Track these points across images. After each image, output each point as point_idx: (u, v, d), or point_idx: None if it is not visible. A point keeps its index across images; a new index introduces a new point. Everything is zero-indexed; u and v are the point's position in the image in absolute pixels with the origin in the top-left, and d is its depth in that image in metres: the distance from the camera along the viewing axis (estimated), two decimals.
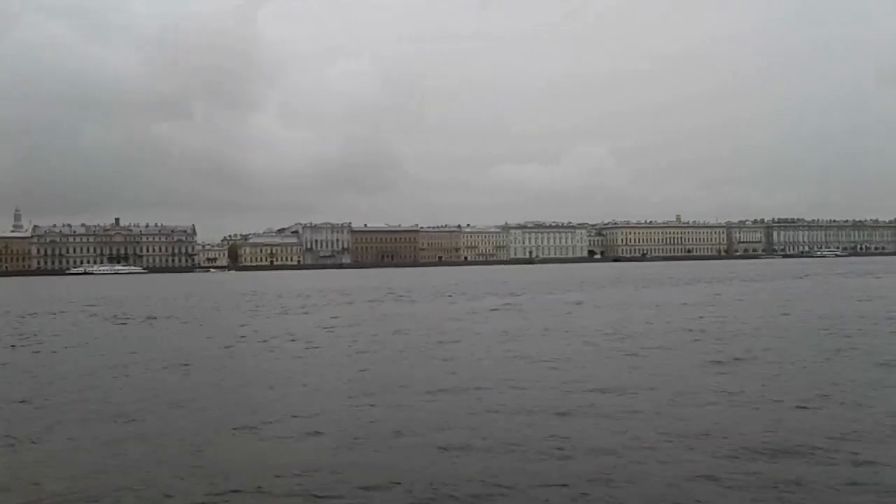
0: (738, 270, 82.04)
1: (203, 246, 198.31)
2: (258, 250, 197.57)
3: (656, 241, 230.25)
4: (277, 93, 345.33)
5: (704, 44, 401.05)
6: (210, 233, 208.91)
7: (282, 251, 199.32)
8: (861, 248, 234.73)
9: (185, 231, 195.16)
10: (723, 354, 14.08)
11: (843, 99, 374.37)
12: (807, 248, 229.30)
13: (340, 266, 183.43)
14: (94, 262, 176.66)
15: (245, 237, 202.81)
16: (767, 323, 20.49)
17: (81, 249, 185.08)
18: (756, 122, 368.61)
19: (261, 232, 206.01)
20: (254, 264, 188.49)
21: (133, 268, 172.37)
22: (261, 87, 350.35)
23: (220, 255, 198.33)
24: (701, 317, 22.92)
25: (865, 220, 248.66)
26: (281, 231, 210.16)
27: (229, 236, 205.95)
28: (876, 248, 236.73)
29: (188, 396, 11.02)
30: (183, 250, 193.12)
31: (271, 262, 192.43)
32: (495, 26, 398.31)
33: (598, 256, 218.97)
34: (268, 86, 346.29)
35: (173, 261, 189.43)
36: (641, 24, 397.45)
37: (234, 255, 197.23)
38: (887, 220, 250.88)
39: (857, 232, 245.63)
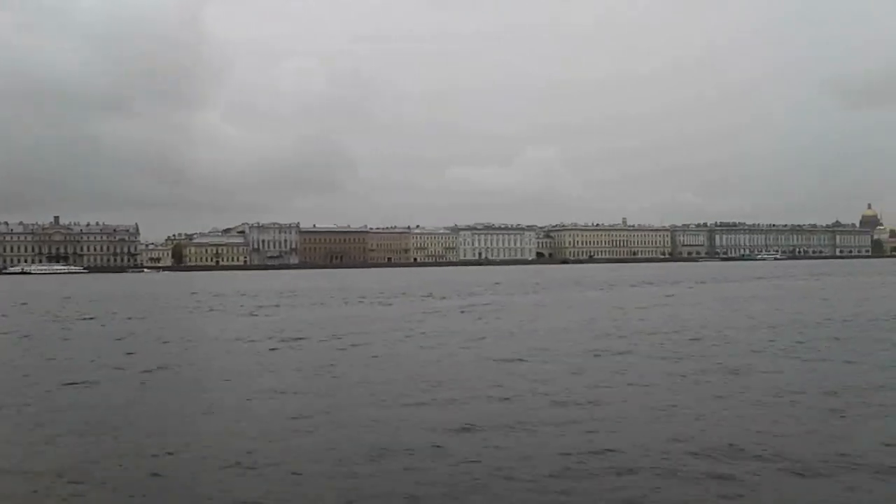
0: (686, 273, 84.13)
1: (146, 245, 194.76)
2: (203, 250, 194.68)
3: (603, 243, 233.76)
4: (224, 90, 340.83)
5: (658, 58, 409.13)
6: (155, 232, 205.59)
7: (228, 251, 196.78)
8: (799, 252, 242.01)
9: (127, 230, 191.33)
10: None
11: (787, 109, 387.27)
12: (748, 252, 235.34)
13: (287, 267, 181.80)
14: (33, 262, 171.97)
15: (190, 237, 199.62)
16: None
17: (19, 248, 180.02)
18: (704, 131, 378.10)
19: (206, 231, 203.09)
20: (199, 264, 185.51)
21: (73, 267, 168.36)
22: (207, 85, 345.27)
23: (163, 254, 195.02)
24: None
25: (804, 225, 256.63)
26: (227, 231, 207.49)
27: (174, 236, 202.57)
28: (814, 252, 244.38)
29: None
30: (125, 250, 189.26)
31: (217, 262, 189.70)
32: (448, 28, 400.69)
33: (546, 258, 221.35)
34: (214, 83, 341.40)
35: (115, 260, 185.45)
36: (588, 32, 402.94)
37: (179, 255, 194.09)
38: (824, 225, 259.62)
39: (795, 236, 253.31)
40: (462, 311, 28.81)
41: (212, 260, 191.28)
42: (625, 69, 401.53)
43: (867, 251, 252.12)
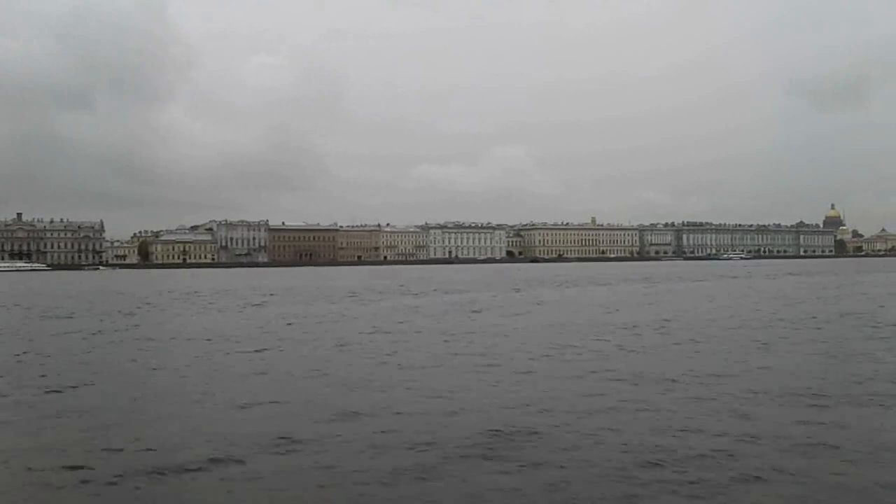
0: (660, 271, 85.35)
1: (112, 243, 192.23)
2: (170, 248, 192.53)
3: (572, 242, 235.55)
4: (190, 85, 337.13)
5: (638, 64, 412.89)
6: (121, 229, 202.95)
7: (195, 249, 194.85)
8: (764, 252, 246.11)
9: (92, 227, 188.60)
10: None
11: (755, 112, 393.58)
12: (714, 251, 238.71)
13: (256, 265, 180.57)
14: None
15: (157, 234, 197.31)
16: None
17: None
18: (668, 124, 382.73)
19: (174, 229, 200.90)
20: (166, 262, 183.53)
21: (36, 265, 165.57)
22: (173, 79, 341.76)
23: (129, 252, 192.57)
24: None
25: (769, 225, 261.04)
26: (195, 228, 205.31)
27: (140, 233, 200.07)
28: (778, 252, 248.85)
29: None
30: (90, 247, 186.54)
31: (184, 259, 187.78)
32: (420, 25, 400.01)
33: (516, 257, 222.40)
34: (180, 78, 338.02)
35: (80, 258, 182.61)
36: (568, 36, 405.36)
37: (145, 253, 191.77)
38: (789, 225, 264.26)
39: (761, 236, 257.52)
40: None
41: (179, 258, 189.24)
42: (598, 74, 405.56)
43: (830, 251, 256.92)
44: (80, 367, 14.21)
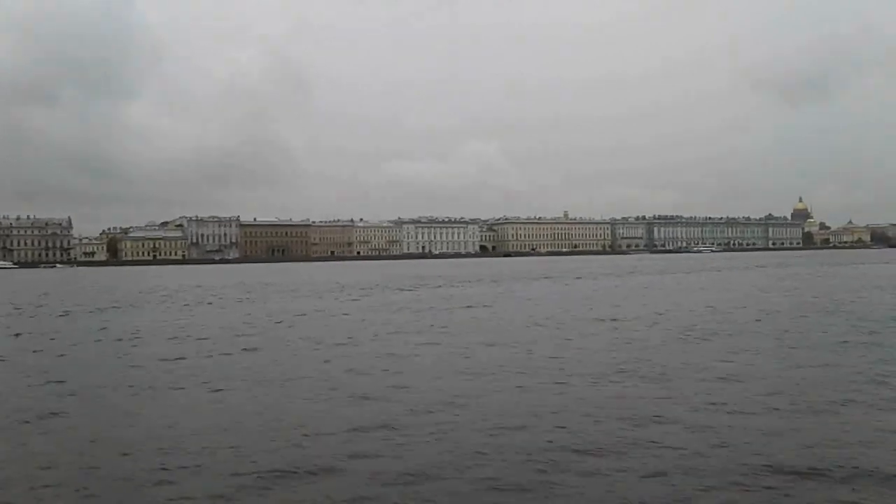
0: (628, 265, 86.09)
1: (80, 239, 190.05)
2: (140, 244, 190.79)
3: (545, 236, 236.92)
4: (157, 80, 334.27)
5: (609, 64, 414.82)
6: (90, 226, 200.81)
7: (165, 245, 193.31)
8: (734, 244, 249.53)
9: (59, 224, 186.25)
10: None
11: (723, 106, 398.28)
12: (685, 244, 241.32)
13: (227, 261, 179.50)
14: None
15: (126, 231, 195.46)
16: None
17: None
18: (640, 122, 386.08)
19: (143, 225, 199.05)
20: (135, 259, 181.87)
21: (3, 262, 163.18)
22: (139, 75, 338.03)
23: (98, 248, 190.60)
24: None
25: (738, 218, 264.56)
26: (164, 224, 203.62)
27: (109, 229, 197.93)
28: (748, 244, 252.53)
29: None
30: (58, 244, 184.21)
31: (154, 256, 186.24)
32: (389, 19, 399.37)
33: (490, 251, 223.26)
34: (147, 73, 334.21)
35: (48, 255, 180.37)
36: (525, 29, 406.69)
37: (114, 250, 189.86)
38: (758, 218, 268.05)
39: (730, 229, 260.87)
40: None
41: (149, 254, 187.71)
42: (568, 73, 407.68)
43: (798, 243, 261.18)
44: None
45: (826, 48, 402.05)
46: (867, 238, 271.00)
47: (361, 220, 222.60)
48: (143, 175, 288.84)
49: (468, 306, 27.26)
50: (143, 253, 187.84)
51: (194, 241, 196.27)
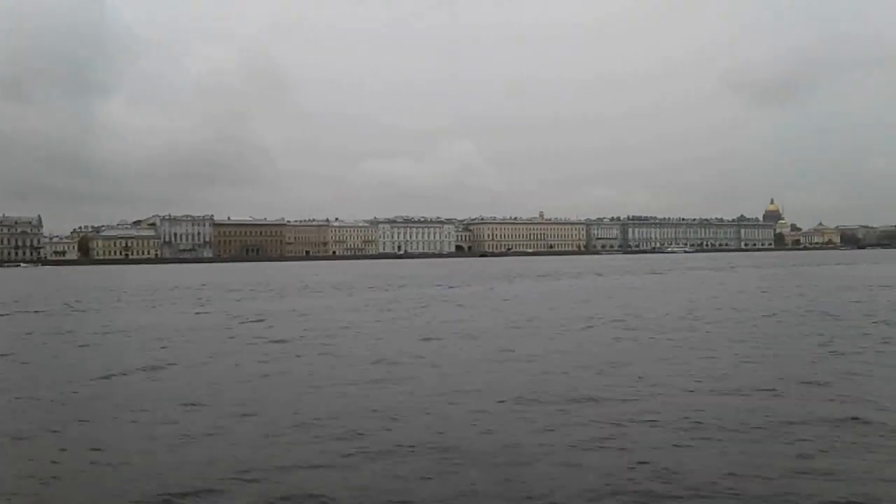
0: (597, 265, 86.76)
1: (51, 238, 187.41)
2: (112, 243, 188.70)
3: (521, 236, 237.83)
4: (131, 77, 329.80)
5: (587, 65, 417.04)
6: (60, 224, 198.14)
7: (138, 244, 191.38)
8: (707, 245, 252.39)
9: (29, 222, 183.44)
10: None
11: (695, 107, 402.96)
12: (659, 245, 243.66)
13: (201, 260, 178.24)
14: None
15: (97, 229, 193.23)
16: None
17: None
18: (618, 122, 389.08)
19: (115, 224, 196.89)
20: (107, 258, 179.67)
21: None
22: (112, 71, 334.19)
23: (69, 247, 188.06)
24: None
25: (711, 219, 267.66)
26: (137, 223, 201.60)
27: (80, 228, 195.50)
28: (720, 245, 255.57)
29: None
30: (28, 243, 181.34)
31: (126, 255, 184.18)
32: (367, 19, 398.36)
33: (465, 251, 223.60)
34: (119, 69, 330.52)
35: (17, 254, 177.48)
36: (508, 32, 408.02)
37: (85, 249, 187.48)
38: (730, 219, 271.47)
39: (704, 229, 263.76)
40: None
41: (121, 253, 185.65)
42: (549, 74, 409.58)
43: (770, 244, 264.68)
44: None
45: (795, 52, 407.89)
46: (837, 239, 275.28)
47: (337, 219, 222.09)
48: (115, 172, 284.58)
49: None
50: (114, 252, 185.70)
51: (167, 240, 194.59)
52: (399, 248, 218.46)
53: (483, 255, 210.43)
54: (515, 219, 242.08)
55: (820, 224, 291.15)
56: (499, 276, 57.71)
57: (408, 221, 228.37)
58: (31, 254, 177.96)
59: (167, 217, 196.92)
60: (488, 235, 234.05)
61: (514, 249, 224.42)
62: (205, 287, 47.85)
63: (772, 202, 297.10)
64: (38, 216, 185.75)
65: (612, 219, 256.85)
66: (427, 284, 46.20)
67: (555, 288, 40.97)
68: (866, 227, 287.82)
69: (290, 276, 65.89)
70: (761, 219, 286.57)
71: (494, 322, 20.79)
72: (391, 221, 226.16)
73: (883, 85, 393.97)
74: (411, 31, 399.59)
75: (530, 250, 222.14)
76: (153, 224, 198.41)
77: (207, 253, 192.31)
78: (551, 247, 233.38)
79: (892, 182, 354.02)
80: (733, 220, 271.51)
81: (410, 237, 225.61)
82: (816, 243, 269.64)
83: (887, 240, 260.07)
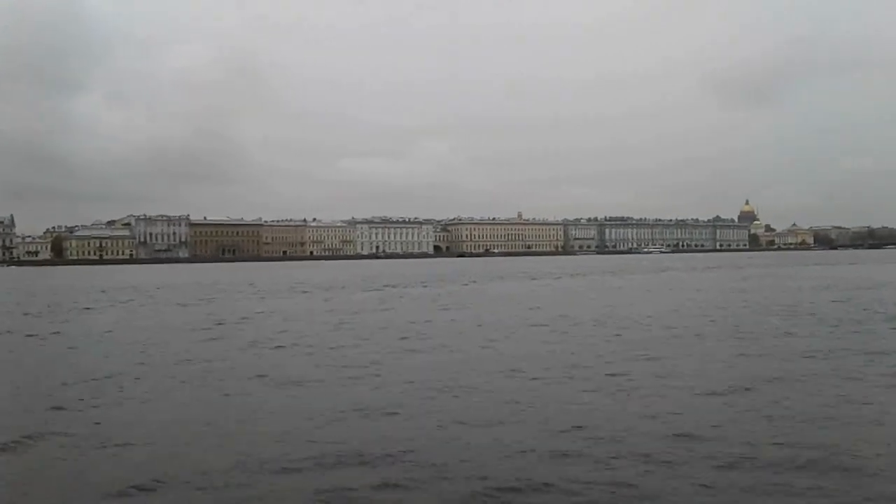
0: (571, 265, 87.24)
1: (23, 238, 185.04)
2: (86, 243, 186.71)
3: (499, 237, 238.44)
4: (106, 74, 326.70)
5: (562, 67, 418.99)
6: (33, 224, 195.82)
7: (112, 244, 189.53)
8: (683, 245, 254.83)
9: (1, 222, 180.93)
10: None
11: (670, 110, 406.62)
12: (636, 245, 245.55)
13: (177, 260, 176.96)
14: None
15: (71, 229, 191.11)
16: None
17: None
18: (593, 125, 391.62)
19: (89, 224, 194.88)
20: (81, 258, 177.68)
21: None
22: (86, 67, 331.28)
23: (42, 247, 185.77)
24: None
25: (687, 220, 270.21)
26: (111, 223, 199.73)
27: (53, 228, 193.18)
28: (696, 245, 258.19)
29: None
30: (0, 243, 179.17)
31: (101, 256, 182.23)
32: (343, 15, 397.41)
33: (444, 252, 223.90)
34: (94, 66, 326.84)
35: None
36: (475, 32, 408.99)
37: (59, 249, 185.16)
38: (706, 220, 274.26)
39: (679, 230, 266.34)
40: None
41: (95, 254, 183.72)
42: (526, 73, 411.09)
43: (745, 245, 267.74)
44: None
45: (771, 53, 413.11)
46: (810, 240, 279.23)
47: (314, 219, 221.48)
48: (90, 171, 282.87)
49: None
50: (88, 252, 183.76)
51: (142, 240, 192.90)
52: (377, 248, 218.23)
53: (461, 255, 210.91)
54: (493, 219, 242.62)
55: (794, 225, 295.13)
56: (492, 277, 58.19)
57: (386, 222, 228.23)
58: (4, 254, 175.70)
59: (142, 217, 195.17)
60: (466, 236, 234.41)
61: (492, 250, 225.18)
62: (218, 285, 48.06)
63: (747, 203, 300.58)
64: (11, 215, 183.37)
65: (589, 219, 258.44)
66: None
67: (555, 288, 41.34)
68: (839, 228, 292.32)
69: (284, 276, 65.83)
70: (737, 220, 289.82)
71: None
72: (369, 222, 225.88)
73: (854, 88, 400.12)
74: (393, 32, 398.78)
75: (508, 250, 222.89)
76: (128, 224, 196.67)
77: (183, 253, 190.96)
78: (529, 247, 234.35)
79: (864, 184, 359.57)
80: (709, 221, 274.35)
81: (388, 237, 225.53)
82: (790, 244, 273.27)
83: (859, 240, 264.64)
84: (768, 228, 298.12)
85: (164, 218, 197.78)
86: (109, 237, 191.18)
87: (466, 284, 45.41)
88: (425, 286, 43.55)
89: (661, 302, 27.27)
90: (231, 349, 15.36)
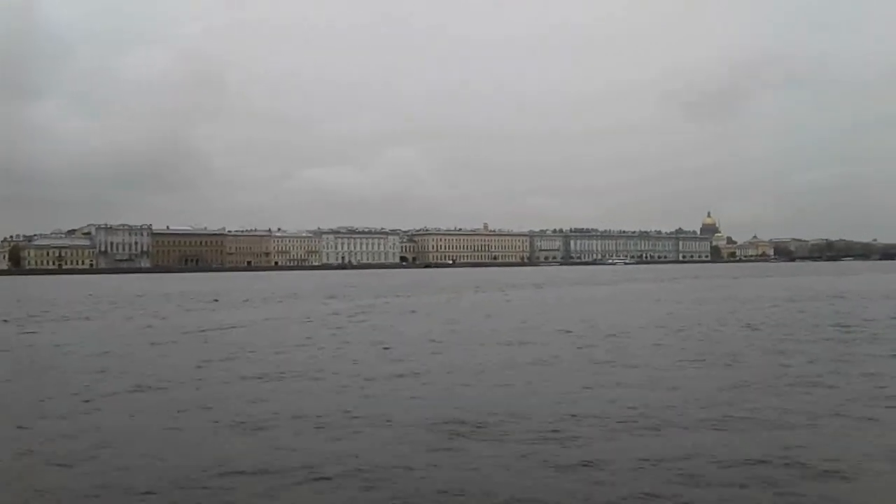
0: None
1: None
2: (44, 253, 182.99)
3: (465, 248, 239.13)
4: (64, 80, 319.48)
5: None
6: None
7: (72, 254, 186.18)
8: (646, 257, 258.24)
9: None
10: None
11: (632, 124, 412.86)
12: (600, 256, 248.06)
13: (139, 270, 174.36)
14: None
15: (29, 238, 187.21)
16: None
17: None
18: (557, 140, 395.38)
19: (48, 233, 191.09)
20: (39, 268, 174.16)
21: None
22: (43, 74, 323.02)
23: None
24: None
25: (650, 232, 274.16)
26: (71, 232, 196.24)
27: (10, 237, 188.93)
28: (659, 257, 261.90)
29: None
30: None
31: (60, 265, 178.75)
32: (306, 22, 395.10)
33: (410, 262, 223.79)
34: (52, 72, 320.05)
35: None
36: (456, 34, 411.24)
37: (16, 258, 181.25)
38: (668, 232, 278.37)
39: (643, 242, 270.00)
40: None
41: (54, 263, 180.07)
42: (493, 83, 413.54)
43: (707, 256, 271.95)
44: None
45: (730, 65, 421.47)
46: (770, 252, 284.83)
47: (279, 229, 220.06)
48: (48, 179, 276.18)
49: None
50: (47, 262, 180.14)
51: (103, 249, 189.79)
52: (343, 258, 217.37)
53: (427, 265, 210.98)
54: (460, 230, 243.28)
55: (754, 237, 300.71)
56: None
57: (352, 232, 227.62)
58: None
59: (103, 226, 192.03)
60: (433, 247, 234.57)
61: (459, 261, 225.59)
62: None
63: (708, 215, 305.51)
64: None
65: (554, 230, 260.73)
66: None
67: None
68: (798, 240, 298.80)
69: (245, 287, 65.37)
70: (698, 232, 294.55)
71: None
72: (335, 232, 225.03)
73: (811, 104, 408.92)
74: (360, 38, 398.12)
75: (475, 261, 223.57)
76: (88, 233, 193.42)
77: (145, 263, 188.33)
78: (496, 258, 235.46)
79: (822, 197, 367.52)
80: (672, 233, 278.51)
81: (354, 248, 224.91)
82: (751, 256, 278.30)
83: (818, 252, 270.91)
84: (730, 241, 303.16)
85: (126, 227, 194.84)
86: (69, 246, 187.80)
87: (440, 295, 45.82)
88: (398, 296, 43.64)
89: (650, 313, 27.82)
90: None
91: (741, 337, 18.45)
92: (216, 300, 42.30)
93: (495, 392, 11.18)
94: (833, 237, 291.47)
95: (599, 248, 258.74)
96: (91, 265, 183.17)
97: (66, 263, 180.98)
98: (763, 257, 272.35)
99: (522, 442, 8.03)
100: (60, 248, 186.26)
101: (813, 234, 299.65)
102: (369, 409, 9.85)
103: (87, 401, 10.91)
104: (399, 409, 9.84)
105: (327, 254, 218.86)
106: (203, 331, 22.45)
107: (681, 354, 15.19)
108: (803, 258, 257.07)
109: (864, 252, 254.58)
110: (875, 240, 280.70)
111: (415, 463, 7.34)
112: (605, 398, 10.47)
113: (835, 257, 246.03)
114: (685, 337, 18.73)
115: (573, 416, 9.23)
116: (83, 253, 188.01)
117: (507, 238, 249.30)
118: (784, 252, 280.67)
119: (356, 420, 9.24)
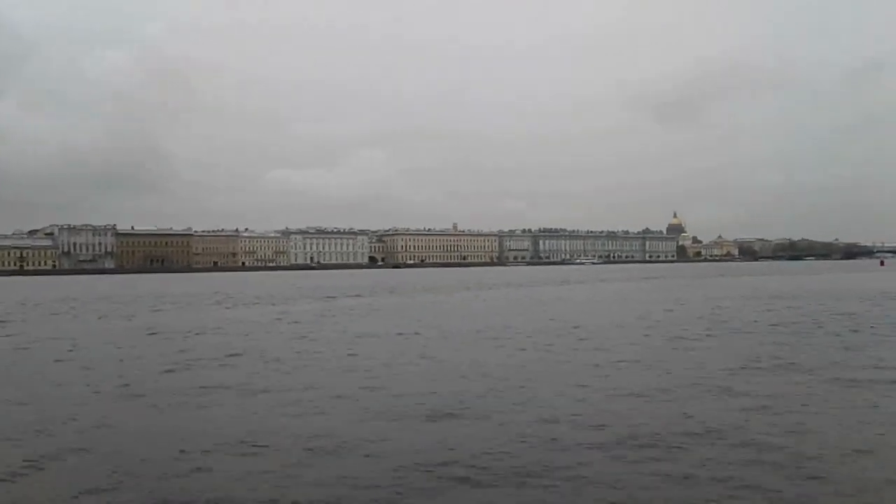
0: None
1: None
2: (5, 253, 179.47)
3: (434, 248, 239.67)
4: (24, 79, 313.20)
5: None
6: None
7: (34, 255, 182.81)
8: (613, 257, 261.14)
9: None
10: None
11: (604, 127, 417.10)
12: (568, 256, 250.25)
13: (102, 271, 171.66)
14: None
15: None
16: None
17: None
18: (528, 144, 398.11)
19: (9, 233, 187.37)
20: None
21: None
22: (4, 73, 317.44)
23: None
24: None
25: (617, 232, 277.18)
26: (33, 233, 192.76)
27: None
28: (626, 257, 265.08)
29: None
30: None
31: (21, 266, 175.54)
32: (281, 23, 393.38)
33: (380, 263, 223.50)
34: (11, 71, 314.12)
35: None
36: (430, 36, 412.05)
37: None
38: (635, 232, 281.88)
39: (611, 242, 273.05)
40: None
41: (15, 264, 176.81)
42: (462, 85, 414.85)
43: (673, 256, 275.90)
44: None
45: (696, 69, 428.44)
46: (735, 252, 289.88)
47: (247, 230, 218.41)
48: (8, 178, 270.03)
49: None
50: (8, 263, 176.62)
51: (66, 250, 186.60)
52: (311, 259, 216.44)
53: (396, 266, 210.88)
54: (429, 230, 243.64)
55: (720, 237, 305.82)
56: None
57: (320, 232, 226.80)
58: None
59: (66, 227, 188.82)
60: (402, 247, 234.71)
61: (428, 261, 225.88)
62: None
63: (675, 216, 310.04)
64: None
65: (523, 231, 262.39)
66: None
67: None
68: (762, 240, 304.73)
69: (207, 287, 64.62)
70: (665, 232, 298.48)
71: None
72: (303, 232, 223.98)
73: (774, 107, 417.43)
74: (330, 39, 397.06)
75: (445, 261, 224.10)
76: (51, 234, 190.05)
77: (109, 264, 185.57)
78: (464, 258, 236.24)
79: (784, 198, 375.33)
80: (638, 233, 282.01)
81: (323, 248, 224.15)
82: (716, 255, 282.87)
83: (781, 251, 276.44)
84: (695, 240, 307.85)
85: (90, 228, 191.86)
86: (31, 247, 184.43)
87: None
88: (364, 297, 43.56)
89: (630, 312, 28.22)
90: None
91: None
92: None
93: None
94: (795, 237, 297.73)
95: (568, 248, 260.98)
96: (54, 266, 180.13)
97: (27, 264, 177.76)
98: (728, 257, 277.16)
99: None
100: (22, 248, 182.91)
101: (776, 233, 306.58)
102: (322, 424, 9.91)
103: None
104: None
105: (295, 254, 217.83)
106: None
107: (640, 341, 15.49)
108: (766, 257, 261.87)
109: (825, 251, 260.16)
110: (836, 239, 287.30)
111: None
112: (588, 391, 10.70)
113: (797, 256, 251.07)
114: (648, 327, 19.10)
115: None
116: (45, 254, 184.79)
117: (476, 238, 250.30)
118: (748, 252, 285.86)
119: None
